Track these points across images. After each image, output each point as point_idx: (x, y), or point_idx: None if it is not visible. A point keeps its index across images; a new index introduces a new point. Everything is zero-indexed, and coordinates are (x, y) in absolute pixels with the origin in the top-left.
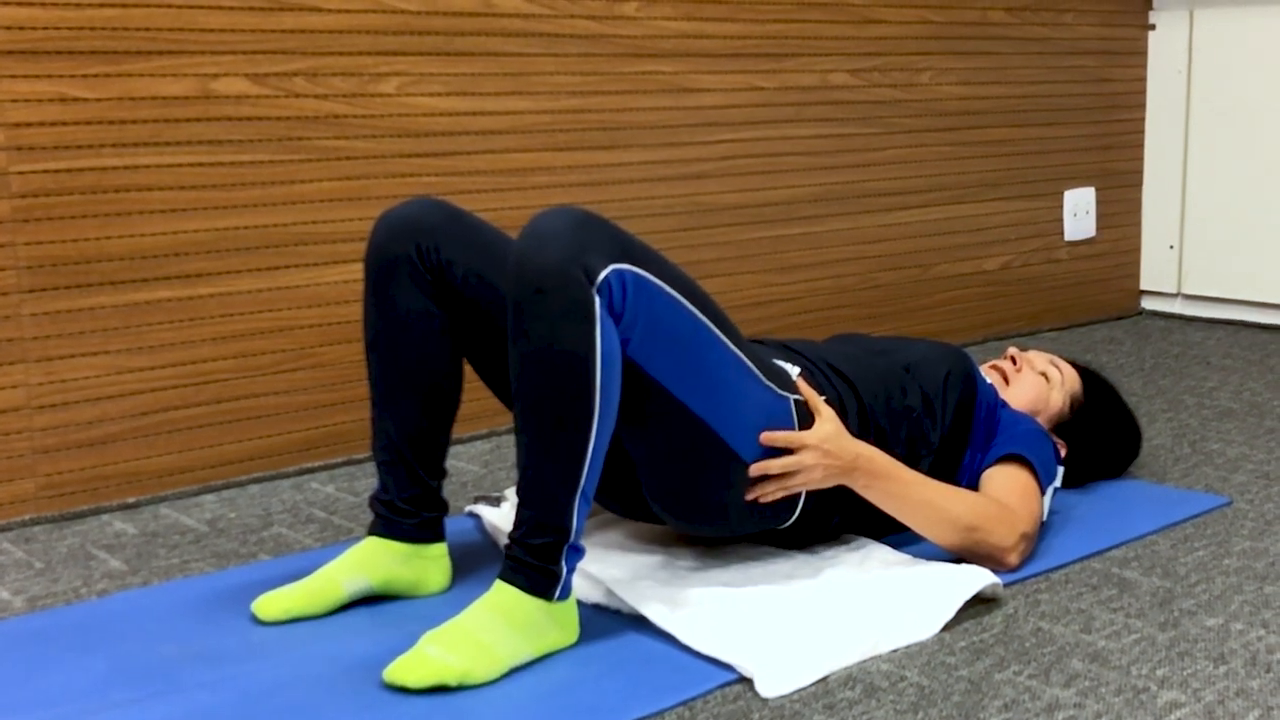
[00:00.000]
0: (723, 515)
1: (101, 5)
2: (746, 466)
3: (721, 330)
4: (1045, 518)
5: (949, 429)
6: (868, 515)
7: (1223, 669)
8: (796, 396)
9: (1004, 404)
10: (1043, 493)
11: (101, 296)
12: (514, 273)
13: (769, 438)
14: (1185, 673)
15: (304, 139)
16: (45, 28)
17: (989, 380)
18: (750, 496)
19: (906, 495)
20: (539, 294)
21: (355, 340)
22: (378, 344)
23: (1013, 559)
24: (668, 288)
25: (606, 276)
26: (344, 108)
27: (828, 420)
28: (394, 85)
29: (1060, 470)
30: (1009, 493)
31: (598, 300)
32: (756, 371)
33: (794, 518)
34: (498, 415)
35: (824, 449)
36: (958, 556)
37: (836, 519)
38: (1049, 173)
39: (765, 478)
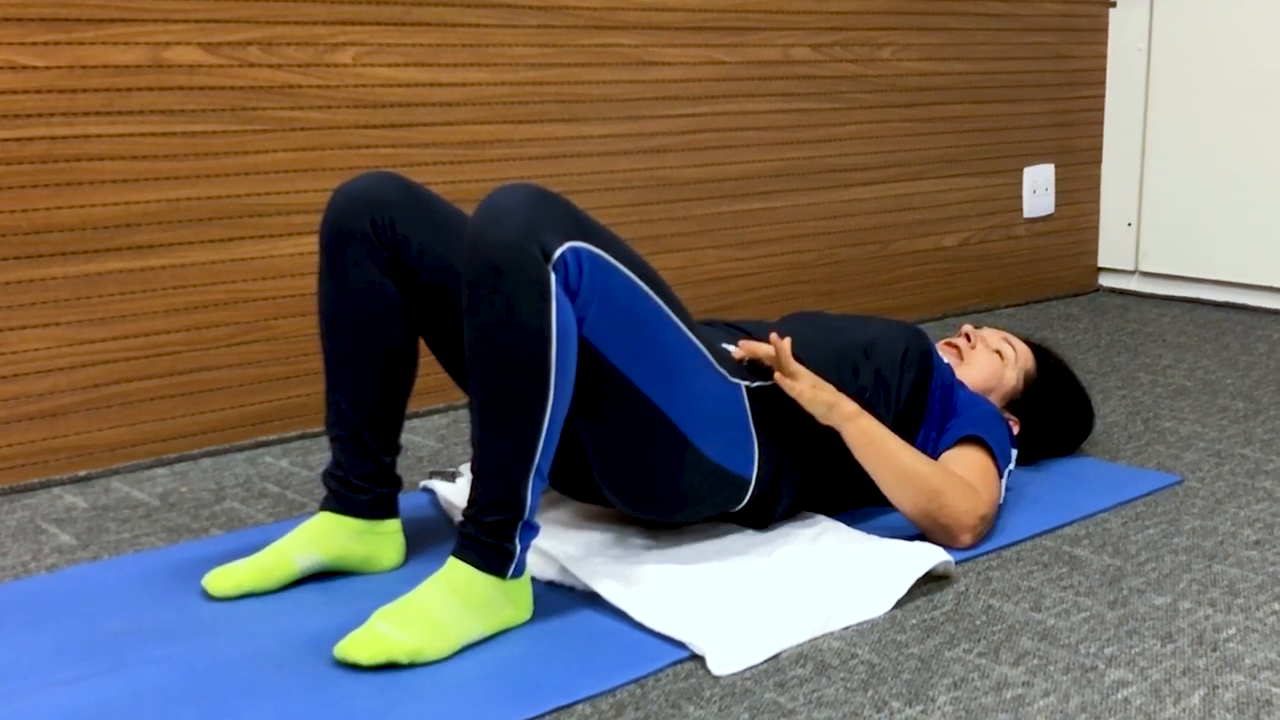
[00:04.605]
0: (675, 501)
1: None
2: (699, 453)
3: (675, 313)
4: (1001, 500)
5: (903, 407)
6: (818, 495)
7: (1170, 647)
8: (747, 383)
9: (960, 383)
10: (1000, 476)
11: (52, 268)
12: (469, 249)
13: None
14: (1133, 651)
15: (258, 109)
16: None
17: (945, 358)
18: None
19: (883, 443)
20: (494, 270)
21: (309, 313)
22: (333, 318)
23: (967, 538)
24: (623, 268)
25: (562, 254)
26: (299, 78)
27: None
28: (350, 55)
29: (1014, 452)
30: (970, 474)
31: (553, 277)
32: (709, 357)
33: (744, 502)
34: (454, 390)
35: (813, 379)
36: (914, 532)
37: (787, 502)
38: (1009, 149)
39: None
